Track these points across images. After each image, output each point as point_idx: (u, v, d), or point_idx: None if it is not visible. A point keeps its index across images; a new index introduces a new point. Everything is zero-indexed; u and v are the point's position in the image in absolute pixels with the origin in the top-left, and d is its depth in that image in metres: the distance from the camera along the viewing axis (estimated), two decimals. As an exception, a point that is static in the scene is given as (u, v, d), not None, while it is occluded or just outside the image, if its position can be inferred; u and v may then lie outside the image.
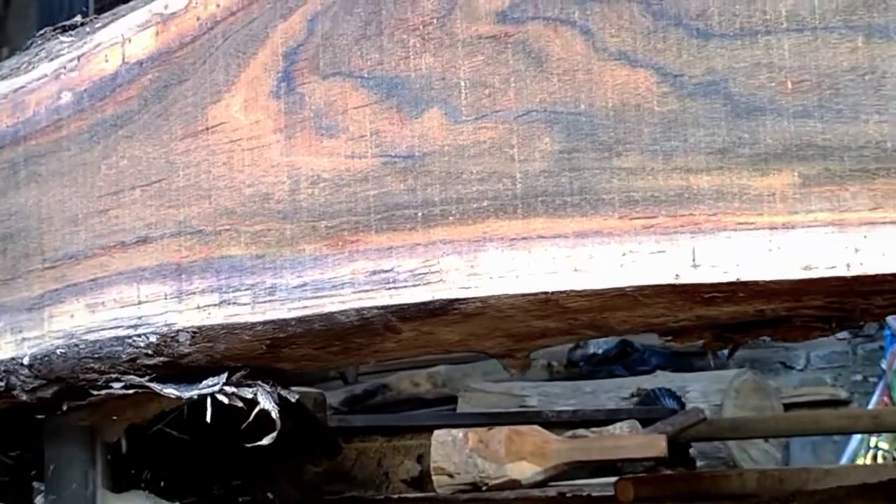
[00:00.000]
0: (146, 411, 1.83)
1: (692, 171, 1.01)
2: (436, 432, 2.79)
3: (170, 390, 1.47)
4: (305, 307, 1.28)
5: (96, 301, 1.50)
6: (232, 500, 2.37)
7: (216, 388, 1.43)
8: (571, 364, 5.81)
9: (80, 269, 1.53)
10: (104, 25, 1.54)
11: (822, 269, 0.94)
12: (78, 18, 1.65)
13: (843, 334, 6.64)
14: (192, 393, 1.45)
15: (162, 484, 2.26)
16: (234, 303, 1.34)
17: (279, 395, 1.45)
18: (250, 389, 1.43)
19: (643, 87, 1.04)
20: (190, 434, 2.20)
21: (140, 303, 1.45)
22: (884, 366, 6.16)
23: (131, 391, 1.52)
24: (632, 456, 2.64)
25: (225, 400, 1.43)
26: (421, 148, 1.18)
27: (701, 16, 1.00)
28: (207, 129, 1.38)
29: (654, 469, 2.80)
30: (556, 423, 3.12)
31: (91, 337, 1.50)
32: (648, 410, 3.51)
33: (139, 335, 1.44)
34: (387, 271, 1.20)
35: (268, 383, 1.44)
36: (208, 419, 1.43)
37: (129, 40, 1.48)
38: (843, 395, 6.13)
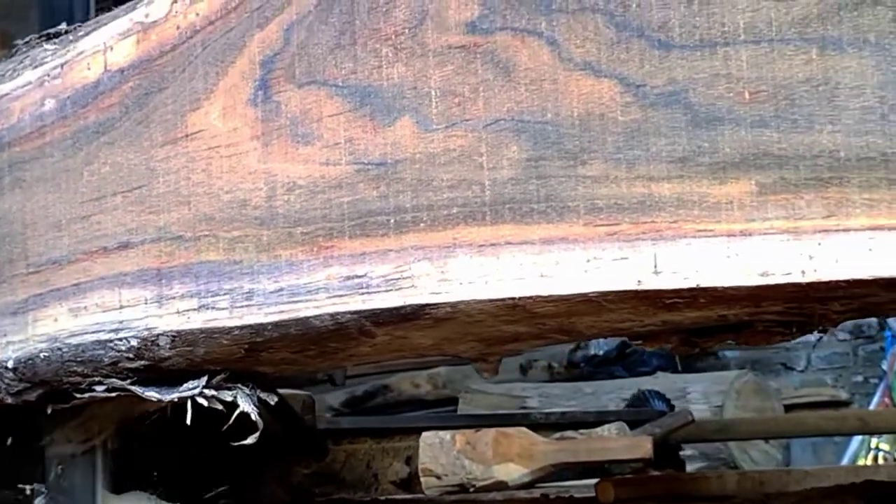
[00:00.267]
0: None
1: (654, 180, 1.03)
2: (424, 434, 2.81)
3: (151, 393, 1.49)
4: (282, 312, 1.30)
5: (79, 305, 1.52)
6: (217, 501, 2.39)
7: (196, 391, 1.46)
8: (572, 365, 5.83)
9: (64, 273, 1.55)
10: (87, 34, 1.56)
11: (778, 276, 0.96)
12: (62, 26, 1.67)
13: (844, 335, 6.66)
14: (172, 396, 1.48)
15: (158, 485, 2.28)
16: (213, 307, 1.37)
17: (259, 397, 1.47)
18: (230, 392, 1.46)
19: (607, 97, 1.06)
20: (178, 436, 2.22)
21: (121, 307, 1.47)
22: (884, 367, 6.18)
23: (114, 394, 1.54)
24: (618, 457, 2.66)
25: (205, 403, 1.45)
26: (393, 155, 1.20)
27: (662, 27, 1.03)
28: (187, 136, 1.41)
29: (643, 470, 2.82)
30: (545, 424, 3.15)
31: (74, 341, 1.53)
32: (637, 412, 3.53)
33: (120, 339, 1.47)
34: (360, 277, 1.22)
35: (248, 386, 1.46)
36: (188, 421, 1.45)
37: (111, 48, 1.51)
38: (843, 396, 6.16)
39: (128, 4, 1.52)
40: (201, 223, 1.38)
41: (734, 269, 0.98)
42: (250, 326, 1.33)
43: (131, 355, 1.47)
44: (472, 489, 2.74)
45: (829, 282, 0.94)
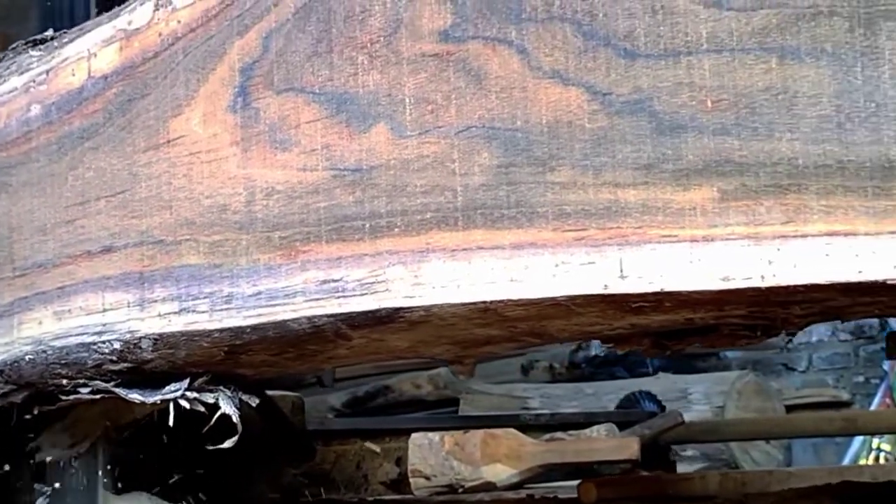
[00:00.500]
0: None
1: (620, 186, 1.05)
2: (413, 435, 2.83)
3: (134, 395, 1.51)
4: (260, 315, 1.32)
5: (63, 308, 1.54)
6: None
7: (178, 393, 1.48)
8: (573, 366, 5.84)
9: (49, 277, 1.57)
10: (71, 40, 1.58)
11: (739, 281, 0.98)
12: (49, 32, 1.69)
13: (846, 336, 6.67)
14: (155, 398, 1.50)
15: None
16: (193, 311, 1.39)
17: (240, 399, 1.49)
18: (212, 394, 1.48)
19: (575, 105, 1.08)
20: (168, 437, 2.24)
21: (105, 310, 1.49)
22: (885, 367, 6.19)
23: (98, 396, 1.56)
24: (605, 458, 2.68)
25: (187, 405, 1.47)
26: (368, 161, 1.22)
27: (628, 36, 1.05)
28: (168, 141, 1.43)
29: (633, 471, 2.84)
30: (534, 425, 3.17)
31: (58, 343, 1.55)
32: (627, 413, 3.55)
33: (104, 342, 1.49)
34: (336, 281, 1.25)
35: (229, 388, 1.49)
36: (171, 423, 1.48)
37: (95, 55, 1.53)
38: (844, 396, 6.17)
39: (111, 12, 1.54)
40: (182, 227, 1.40)
41: (697, 274, 1.00)
42: (230, 329, 1.35)
43: (114, 358, 1.49)
44: (460, 490, 2.76)
45: (788, 286, 0.96)
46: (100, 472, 1.90)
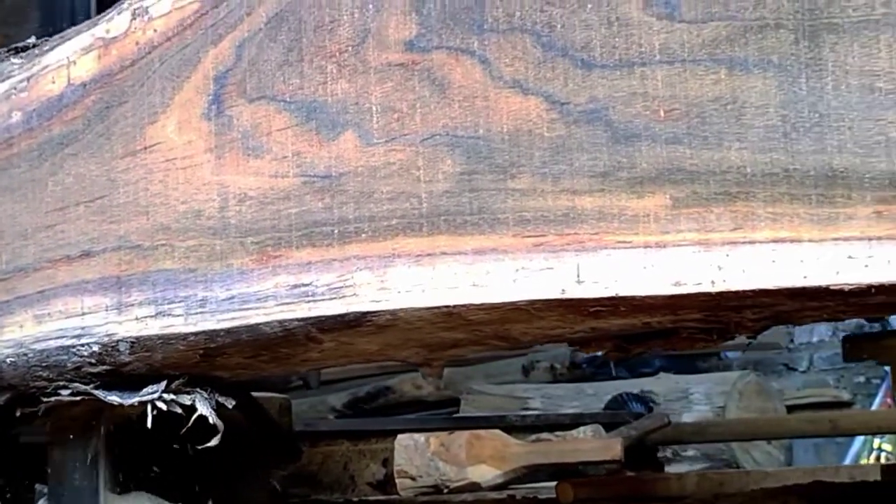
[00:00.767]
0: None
1: (577, 193, 1.08)
2: (399, 436, 2.86)
3: (113, 397, 1.54)
4: (233, 319, 1.35)
5: (43, 312, 1.57)
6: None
7: (156, 395, 1.50)
8: (574, 366, 5.85)
9: (29, 281, 1.60)
10: (52, 48, 1.61)
11: (690, 286, 1.01)
12: (31, 40, 1.72)
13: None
14: (133, 400, 1.52)
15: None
16: (169, 314, 1.41)
17: (217, 401, 1.52)
18: (189, 396, 1.50)
19: (534, 114, 1.10)
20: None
21: (83, 314, 1.52)
22: (886, 368, 6.17)
23: (78, 398, 1.59)
24: (589, 459, 2.71)
25: (164, 407, 1.50)
26: (337, 168, 1.25)
27: (585, 47, 1.07)
28: (145, 148, 1.45)
29: (619, 472, 2.87)
30: (521, 427, 3.20)
31: (39, 346, 1.57)
32: (614, 414, 3.58)
33: (83, 345, 1.51)
34: (306, 285, 1.27)
35: (206, 390, 1.51)
36: (149, 425, 1.50)
37: (74, 63, 1.55)
38: (845, 396, 6.17)
39: (91, 20, 1.56)
40: (158, 233, 1.43)
41: (650, 279, 1.03)
42: (204, 333, 1.38)
43: (93, 360, 1.51)
44: (445, 490, 2.78)
45: (738, 291, 0.99)
46: (100, 472, 1.92)
